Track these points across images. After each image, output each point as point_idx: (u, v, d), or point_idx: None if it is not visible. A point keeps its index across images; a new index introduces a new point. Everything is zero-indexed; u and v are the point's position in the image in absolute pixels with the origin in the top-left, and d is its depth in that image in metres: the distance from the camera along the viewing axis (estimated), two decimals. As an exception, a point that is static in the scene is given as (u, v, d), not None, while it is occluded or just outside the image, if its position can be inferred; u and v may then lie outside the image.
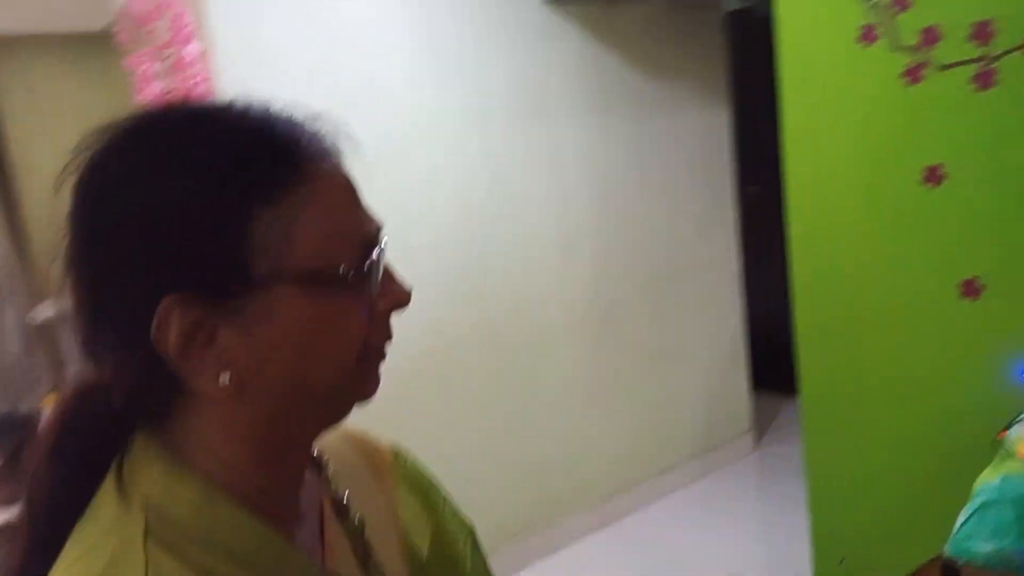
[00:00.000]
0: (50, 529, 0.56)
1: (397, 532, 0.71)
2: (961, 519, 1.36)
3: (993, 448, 1.51)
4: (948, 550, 1.34)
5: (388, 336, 0.60)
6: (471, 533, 0.76)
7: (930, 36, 1.79)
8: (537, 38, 2.90)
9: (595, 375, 3.17)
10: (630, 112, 3.16)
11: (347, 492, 0.68)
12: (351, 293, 0.56)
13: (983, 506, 1.34)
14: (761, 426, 3.86)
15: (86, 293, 0.55)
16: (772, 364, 4.01)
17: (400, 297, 0.60)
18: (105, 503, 0.55)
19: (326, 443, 0.69)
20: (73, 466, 0.57)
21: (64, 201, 0.55)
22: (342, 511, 0.67)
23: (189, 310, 0.52)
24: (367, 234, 0.58)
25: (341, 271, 0.55)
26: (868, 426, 2.04)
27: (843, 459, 2.11)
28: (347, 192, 0.58)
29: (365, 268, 0.56)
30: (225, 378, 0.53)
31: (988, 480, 1.39)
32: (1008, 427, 1.53)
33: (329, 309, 0.55)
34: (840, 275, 2.04)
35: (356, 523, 0.67)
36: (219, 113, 0.56)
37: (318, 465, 0.68)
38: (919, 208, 1.86)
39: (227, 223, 0.52)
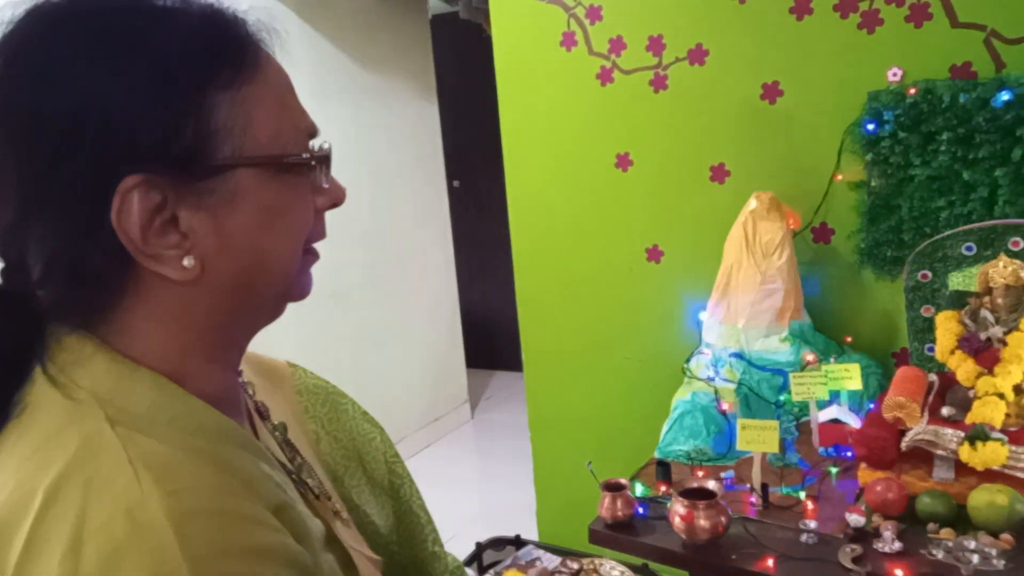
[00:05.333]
0: None
1: (307, 437, 0.74)
2: (665, 428, 1.70)
3: (682, 374, 1.90)
4: (658, 453, 1.66)
5: (323, 234, 0.62)
6: (382, 430, 0.81)
7: (617, 45, 2.15)
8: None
9: (323, 357, 3.23)
10: (349, 101, 3.26)
11: (262, 400, 0.70)
12: (302, 182, 0.58)
13: (680, 416, 1.69)
14: (474, 397, 4.21)
15: (18, 183, 0.51)
16: (477, 344, 4.38)
17: (337, 195, 0.61)
18: (44, 403, 0.52)
19: None
20: None
21: None
22: (263, 415, 0.69)
23: (151, 192, 0.51)
24: (309, 127, 0.60)
25: (300, 158, 0.57)
26: (582, 372, 2.38)
27: (561, 404, 2.44)
28: (289, 85, 0.59)
29: (313, 159, 0.58)
30: (189, 262, 0.53)
31: (681, 397, 1.76)
32: (689, 358, 1.94)
33: (287, 195, 0.57)
34: (552, 249, 2.36)
35: (278, 426, 0.69)
36: None
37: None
38: (613, 189, 2.23)
39: (188, 106, 0.52)
